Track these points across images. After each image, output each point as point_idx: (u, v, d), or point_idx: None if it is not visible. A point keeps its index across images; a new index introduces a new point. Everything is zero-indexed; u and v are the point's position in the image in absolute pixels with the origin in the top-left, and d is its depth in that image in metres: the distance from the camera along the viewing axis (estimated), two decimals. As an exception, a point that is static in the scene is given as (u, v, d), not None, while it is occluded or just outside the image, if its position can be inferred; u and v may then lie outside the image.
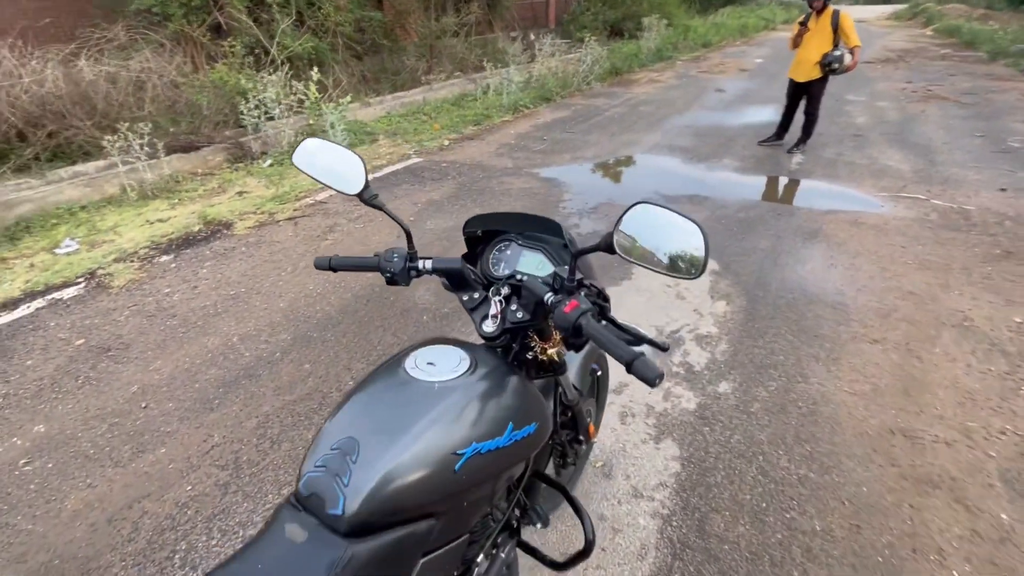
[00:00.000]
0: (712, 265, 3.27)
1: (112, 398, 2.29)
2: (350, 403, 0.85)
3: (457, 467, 0.80)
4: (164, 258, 3.52)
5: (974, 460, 1.86)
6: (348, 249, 3.57)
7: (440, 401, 0.84)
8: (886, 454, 1.89)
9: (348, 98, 6.30)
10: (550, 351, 1.10)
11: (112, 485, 1.88)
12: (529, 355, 1.12)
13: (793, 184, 4.74)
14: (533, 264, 1.13)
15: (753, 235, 3.67)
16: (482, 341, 1.07)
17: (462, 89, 8.44)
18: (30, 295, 3.10)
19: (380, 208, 1.05)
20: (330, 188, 1.07)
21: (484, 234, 1.21)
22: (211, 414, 2.19)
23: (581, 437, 1.51)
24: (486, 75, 8.24)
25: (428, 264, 1.08)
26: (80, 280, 3.25)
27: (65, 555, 1.65)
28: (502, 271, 1.15)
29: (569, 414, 1.39)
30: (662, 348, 0.94)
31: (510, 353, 1.08)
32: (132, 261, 3.47)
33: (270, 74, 5.87)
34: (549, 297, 0.91)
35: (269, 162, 5.52)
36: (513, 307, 1.02)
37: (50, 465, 1.96)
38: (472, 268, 1.10)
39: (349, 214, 4.11)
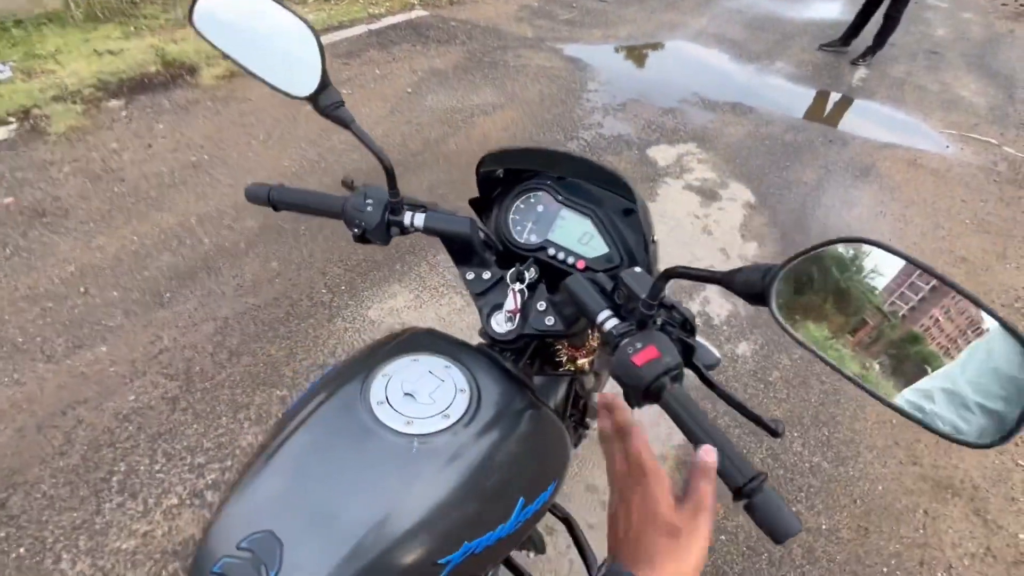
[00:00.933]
0: (747, 195, 2.87)
1: (46, 276, 1.97)
2: (278, 456, 0.54)
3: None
4: (113, 103, 2.97)
5: (1001, 468, 1.72)
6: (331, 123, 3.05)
7: (418, 475, 0.54)
8: (908, 449, 1.73)
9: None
10: (581, 361, 0.79)
11: (43, 384, 1.65)
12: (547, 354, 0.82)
13: (850, 105, 4.13)
14: (574, 233, 0.77)
15: (798, 164, 3.21)
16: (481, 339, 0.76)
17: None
18: (-48, 132, 2.61)
19: (347, 126, 0.66)
20: (259, 79, 0.66)
21: (506, 174, 0.83)
22: (161, 311, 1.91)
23: (588, 420, 1.27)
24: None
25: (418, 219, 0.72)
26: (11, 120, 2.73)
27: (-14, 463, 1.46)
28: (527, 236, 0.79)
29: (581, 403, 1.14)
30: (774, 433, 0.62)
31: (521, 358, 0.77)
32: (75, 102, 2.92)
33: None
34: (608, 322, 0.58)
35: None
36: (540, 304, 0.69)
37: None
38: (483, 228, 0.75)
39: (337, 73, 3.48)
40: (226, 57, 0.66)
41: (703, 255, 2.41)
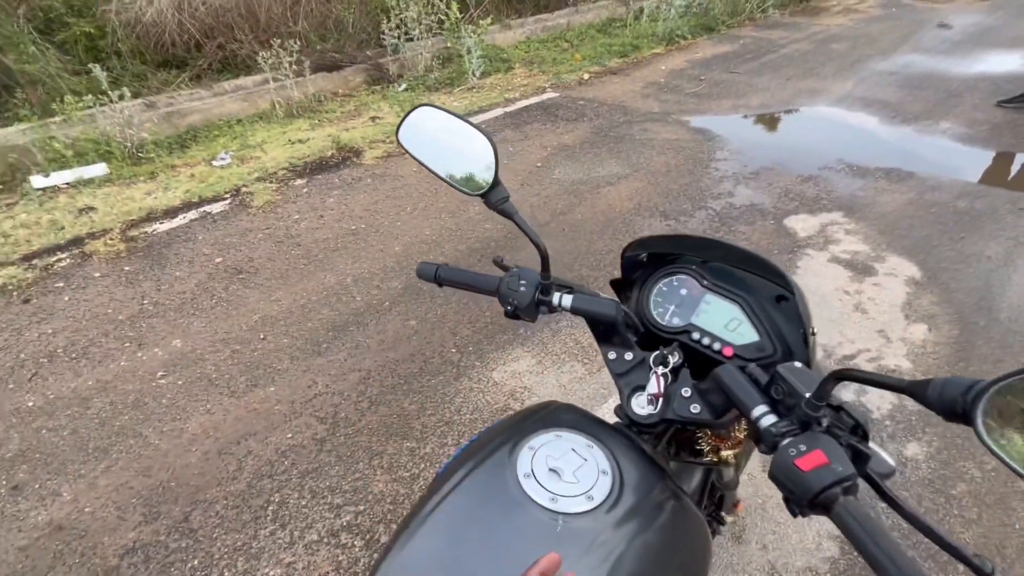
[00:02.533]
0: (911, 270, 2.54)
1: (237, 323, 2.37)
2: (433, 518, 0.59)
3: None
4: (299, 181, 3.60)
5: None
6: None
7: (563, 555, 0.55)
8: None
9: (488, 20, 5.89)
10: (725, 452, 0.75)
11: (226, 416, 1.95)
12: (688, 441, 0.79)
13: (1044, 166, 3.54)
14: (720, 319, 0.75)
15: (977, 235, 2.79)
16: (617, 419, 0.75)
17: (612, 13, 7.52)
18: (187, 205, 3.34)
19: (510, 217, 0.74)
20: (444, 181, 0.77)
21: (649, 258, 0.86)
22: (318, 358, 2.18)
23: (723, 515, 1.17)
24: (642, -4, 7.23)
25: (566, 300, 0.76)
26: (227, 196, 3.44)
27: (180, 479, 1.74)
28: (669, 319, 0.79)
29: (718, 495, 1.06)
30: (980, 572, 0.52)
31: (659, 442, 0.76)
32: (271, 182, 3.59)
33: (414, -10, 5.60)
34: (765, 418, 0.56)
35: (404, 87, 5.40)
36: (684, 390, 0.68)
37: (180, 383, 2.08)
38: (626, 309, 0.77)
39: (494, 136, 3.86)
40: (421, 165, 0.79)
41: (856, 336, 2.14)
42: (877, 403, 1.88)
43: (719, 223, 2.96)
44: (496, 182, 0.72)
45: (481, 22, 5.86)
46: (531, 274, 0.77)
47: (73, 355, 2.21)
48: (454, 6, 5.52)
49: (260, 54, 4.66)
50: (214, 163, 3.94)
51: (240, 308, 2.46)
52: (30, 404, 1.99)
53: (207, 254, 2.85)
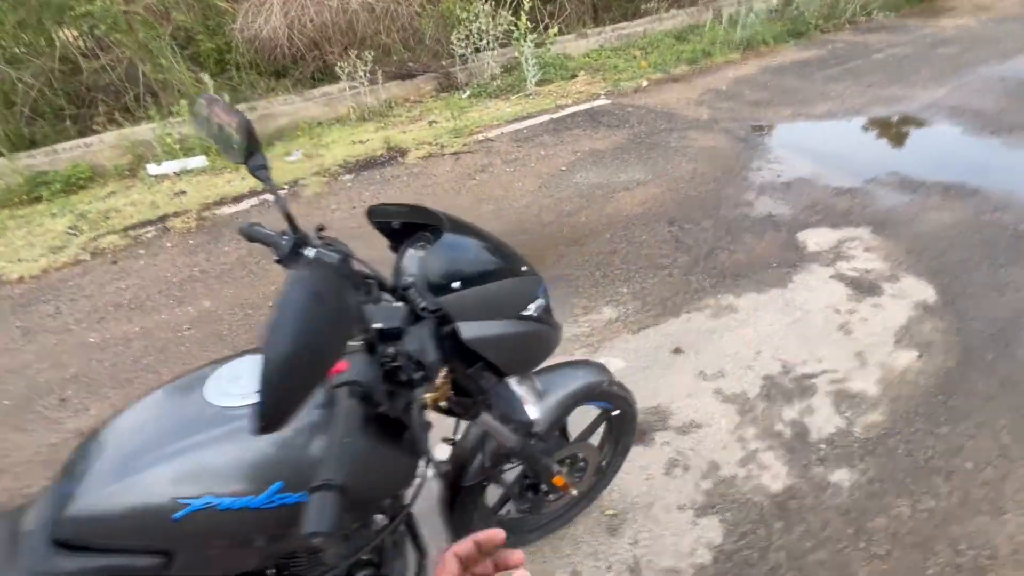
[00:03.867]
0: (924, 294, 2.27)
1: (256, 292, 2.77)
2: (142, 402, 0.79)
3: (177, 515, 0.68)
4: (346, 176, 4.03)
5: None
6: (487, 191, 3.54)
7: (198, 431, 0.71)
8: None
9: (555, 30, 6.06)
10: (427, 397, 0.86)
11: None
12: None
13: None
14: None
15: (1028, 262, 2.41)
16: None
17: (695, 19, 7.31)
18: (253, 193, 3.90)
19: (264, 181, 0.91)
20: (220, 151, 0.97)
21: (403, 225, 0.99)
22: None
23: (543, 487, 1.24)
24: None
25: (315, 253, 0.92)
26: (286, 187, 3.95)
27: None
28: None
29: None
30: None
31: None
32: (324, 176, 4.05)
33: (485, 2, 5.93)
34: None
35: (468, 94, 5.74)
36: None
37: (198, 335, 2.50)
38: (370, 273, 0.90)
39: (507, 155, 4.04)
40: (202, 137, 1.00)
41: (827, 355, 1.99)
42: (820, 424, 1.75)
43: (724, 232, 2.85)
44: (251, 151, 0.89)
45: (548, 32, 6.04)
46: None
47: (132, 307, 2.74)
48: (523, 18, 5.75)
49: (338, 64, 5.24)
50: (286, 159, 4.52)
51: (262, 280, 2.86)
52: (92, 340, 2.52)
53: (217, 251, 3.32)
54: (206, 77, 4.81)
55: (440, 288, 0.80)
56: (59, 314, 2.74)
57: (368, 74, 5.26)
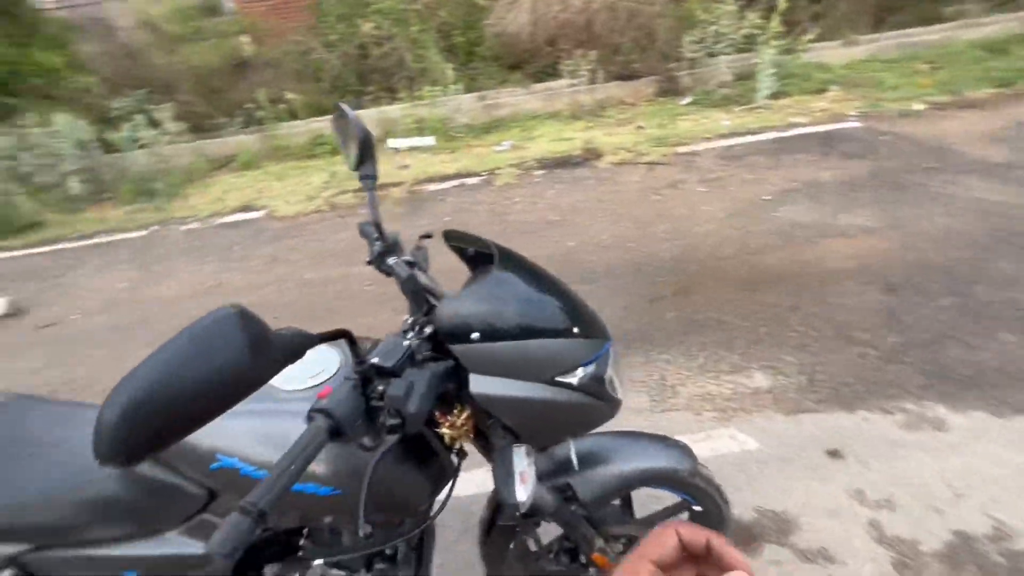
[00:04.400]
0: None
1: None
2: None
3: (213, 466, 0.80)
4: (538, 172, 4.18)
5: None
6: (668, 209, 3.29)
7: (251, 400, 0.82)
8: None
9: (812, 35, 5.24)
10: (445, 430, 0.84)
11: (371, 319, 2.66)
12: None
13: None
14: None
15: None
16: None
17: (1027, 26, 5.52)
18: (458, 175, 4.33)
19: (366, 189, 0.99)
20: (345, 157, 1.06)
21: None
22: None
23: (582, 558, 1.13)
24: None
25: (393, 262, 0.96)
26: (484, 174, 4.29)
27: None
28: None
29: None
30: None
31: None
32: (519, 169, 4.28)
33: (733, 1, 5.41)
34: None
35: (687, 100, 5.39)
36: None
37: (374, 293, 2.91)
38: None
39: (707, 172, 3.68)
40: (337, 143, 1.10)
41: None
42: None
43: (968, 318, 2.13)
44: (364, 162, 0.97)
45: (802, 39, 5.26)
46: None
47: (341, 256, 3.33)
48: (774, 20, 5.11)
49: (562, 62, 5.41)
50: (495, 148, 4.89)
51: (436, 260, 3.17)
52: (307, 277, 3.14)
53: (441, 212, 3.71)
54: (449, 69, 5.46)
55: (461, 336, 0.76)
56: (297, 250, 3.49)
57: (590, 73, 5.33)
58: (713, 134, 4.33)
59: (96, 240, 4.13)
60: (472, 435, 0.85)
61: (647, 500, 1.21)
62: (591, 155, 4.32)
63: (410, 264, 0.96)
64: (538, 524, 1.13)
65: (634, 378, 2.08)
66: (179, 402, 0.48)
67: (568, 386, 0.81)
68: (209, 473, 0.81)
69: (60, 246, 4.12)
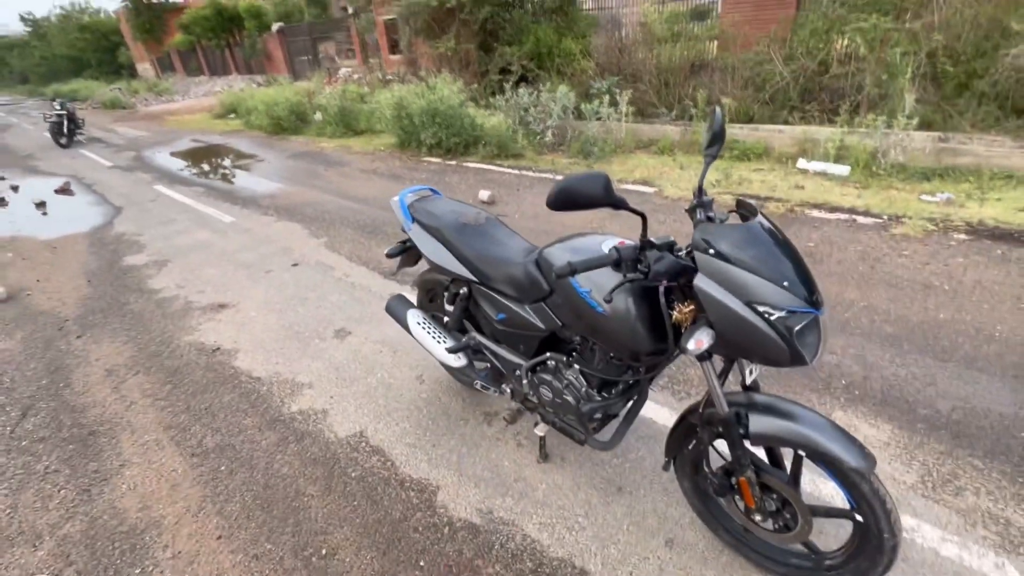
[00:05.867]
0: None
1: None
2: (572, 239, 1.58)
3: (559, 276, 1.39)
4: (961, 236, 3.43)
5: None
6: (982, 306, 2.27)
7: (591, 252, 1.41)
8: None
9: None
10: (676, 314, 1.23)
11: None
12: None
13: None
14: None
15: None
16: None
17: None
18: (855, 211, 3.98)
19: (706, 164, 1.31)
20: (703, 139, 1.42)
21: None
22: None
23: (732, 481, 1.37)
24: None
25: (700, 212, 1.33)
26: (883, 217, 3.82)
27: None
28: None
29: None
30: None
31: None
32: (935, 224, 3.59)
33: None
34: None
35: None
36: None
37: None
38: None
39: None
40: None
41: None
42: None
43: None
44: (710, 144, 1.31)
45: None
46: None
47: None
48: None
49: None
50: (923, 196, 4.15)
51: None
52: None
53: (804, 237, 3.59)
54: (911, 100, 4.78)
55: (703, 249, 1.13)
56: (660, 223, 4.11)
57: None
58: None
59: (544, 176, 5.84)
60: (690, 323, 1.20)
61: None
62: (1049, 236, 3.21)
63: (708, 215, 1.26)
64: (713, 438, 1.37)
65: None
66: (574, 195, 1.13)
67: (763, 316, 1.05)
68: (552, 280, 1.49)
69: (526, 173, 6.01)
